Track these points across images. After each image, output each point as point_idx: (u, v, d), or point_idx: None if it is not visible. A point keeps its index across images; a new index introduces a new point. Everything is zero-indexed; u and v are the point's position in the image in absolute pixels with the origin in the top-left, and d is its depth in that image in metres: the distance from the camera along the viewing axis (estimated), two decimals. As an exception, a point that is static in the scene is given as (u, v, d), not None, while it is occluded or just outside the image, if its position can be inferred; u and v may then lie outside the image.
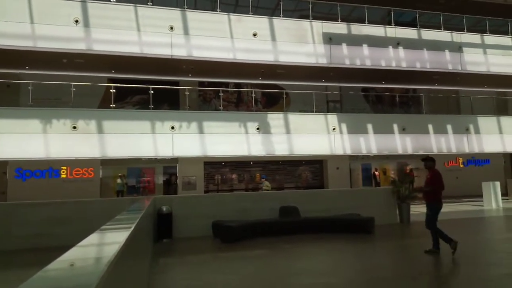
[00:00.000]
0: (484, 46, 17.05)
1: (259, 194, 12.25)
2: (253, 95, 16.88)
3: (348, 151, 15.53)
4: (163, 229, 8.82)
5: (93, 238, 2.31)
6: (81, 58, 13.36)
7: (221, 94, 15.71)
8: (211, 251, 7.86)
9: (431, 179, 6.78)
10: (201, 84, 17.28)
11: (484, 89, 19.24)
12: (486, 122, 17.05)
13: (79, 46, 12.71)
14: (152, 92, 13.94)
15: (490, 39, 17.21)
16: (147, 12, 13.42)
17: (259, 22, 14.54)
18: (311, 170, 20.81)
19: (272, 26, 14.61)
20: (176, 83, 16.47)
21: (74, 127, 12.40)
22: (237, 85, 18.20)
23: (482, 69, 16.83)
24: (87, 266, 1.68)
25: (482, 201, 15.71)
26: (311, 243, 8.29)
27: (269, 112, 15.26)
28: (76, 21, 12.60)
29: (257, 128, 14.34)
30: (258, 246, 7.95)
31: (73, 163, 15.93)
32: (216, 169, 19.31)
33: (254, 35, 14.32)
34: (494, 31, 17.56)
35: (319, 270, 6.07)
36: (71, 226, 7.96)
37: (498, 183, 15.76)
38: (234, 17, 14.31)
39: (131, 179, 17.91)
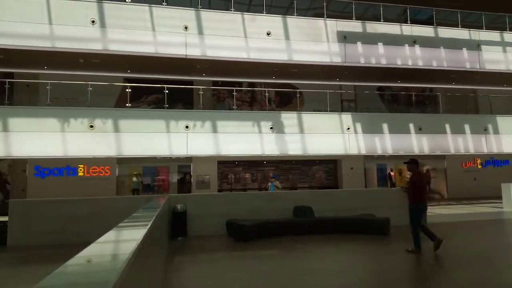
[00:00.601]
0: (503, 44, 16.62)
1: (273, 193, 12.23)
2: (267, 94, 16.88)
3: (363, 151, 15.37)
4: (178, 227, 8.90)
5: (110, 235, 2.35)
6: (97, 58, 13.59)
7: (234, 93, 15.77)
8: (225, 250, 7.89)
9: (415, 179, 7.05)
10: (215, 83, 17.36)
11: (503, 88, 18.74)
12: (505, 121, 16.61)
13: (96, 46, 12.93)
14: (166, 91, 14.08)
15: (510, 36, 16.75)
16: (161, 12, 13.55)
17: (273, 21, 14.51)
18: (325, 170, 20.67)
19: (285, 25, 14.56)
20: (190, 82, 16.60)
21: (91, 126, 12.63)
22: (251, 84, 18.22)
23: (501, 67, 16.40)
24: (106, 262, 1.70)
25: (502, 203, 15.31)
26: (325, 244, 8.24)
27: (283, 112, 15.22)
28: (93, 22, 12.82)
29: (271, 128, 14.32)
30: (271, 246, 7.94)
31: (90, 162, 16.23)
32: (230, 168, 19.37)
33: (268, 34, 14.30)
34: (514, 28, 17.11)
35: (332, 271, 6.03)
36: (88, 223, 8.11)
37: (518, 185, 15.32)
38: (247, 16, 14.32)
39: (147, 177, 18.14)
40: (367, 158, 20.02)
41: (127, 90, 14.34)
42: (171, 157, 16.27)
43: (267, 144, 14.29)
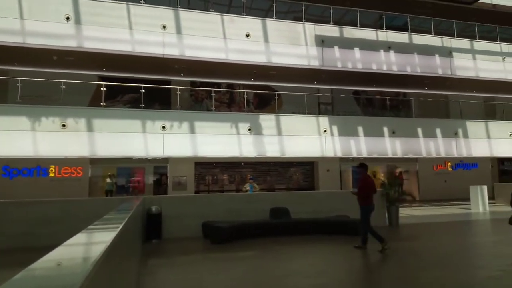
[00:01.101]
0: (473, 52, 17.33)
1: (250, 195, 12.24)
2: (245, 96, 16.87)
3: (339, 153, 15.63)
4: (153, 229, 8.76)
5: (79, 237, 2.28)
6: (71, 55, 13.20)
7: (213, 94, 15.67)
8: (200, 252, 7.83)
9: (361, 184, 7.60)
10: (193, 84, 17.21)
11: (473, 94, 19.53)
12: (474, 126, 17.31)
13: (70, 43, 12.57)
14: (143, 91, 13.84)
15: (479, 44, 17.49)
16: (139, 10, 13.33)
17: (252, 23, 14.56)
18: (302, 171, 20.86)
19: (265, 28, 14.63)
20: (168, 82, 16.38)
21: (63, 125, 12.25)
22: (230, 85, 18.17)
23: (471, 74, 17.09)
24: (72, 265, 1.65)
25: (470, 204, 15.93)
26: (301, 245, 8.31)
27: (261, 113, 15.27)
28: (67, 18, 12.45)
29: (249, 129, 14.34)
30: (248, 247, 7.94)
31: (62, 162, 15.71)
32: (207, 169, 19.23)
33: (247, 36, 14.32)
34: (483, 37, 17.85)
35: (308, 272, 6.09)
36: (58, 225, 7.84)
37: (485, 187, 16.00)
38: (227, 17, 14.30)
39: (121, 178, 17.73)
40: (343, 160, 20.35)
41: (102, 88, 13.99)
42: (147, 158, 15.99)
43: (245, 145, 14.29)
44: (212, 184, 19.27)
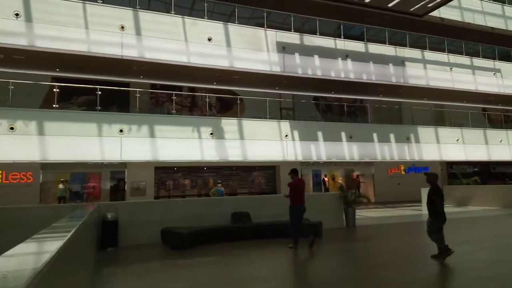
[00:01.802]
0: (424, 61, 18.42)
1: (211, 199, 12.14)
2: (207, 99, 16.76)
3: (300, 158, 15.92)
4: (108, 237, 8.42)
5: (22, 247, 2.14)
6: (21, 54, 12.43)
7: (174, 97, 15.40)
8: (159, 259, 7.62)
9: (291, 187, 8.28)
10: (153, 86, 16.82)
11: (424, 101, 20.73)
12: (425, 132, 18.36)
13: (20, 42, 11.83)
14: (99, 93, 13.33)
15: (429, 55, 18.63)
16: (96, 9, 12.85)
17: (214, 27, 14.52)
18: (264, 175, 21.03)
19: (227, 32, 14.65)
20: (127, 84, 15.88)
21: (12, 128, 11.48)
22: (191, 89, 17.96)
23: (422, 82, 18.14)
24: (10, 278, 1.55)
25: (421, 206, 16.82)
26: (262, 249, 8.35)
27: (223, 118, 15.22)
28: (17, 15, 11.73)
29: (211, 133, 14.24)
30: (208, 253, 7.86)
31: (10, 167, 14.69)
32: (168, 174, 18.83)
33: (209, 39, 14.27)
34: (433, 48, 19.04)
35: (267, 276, 6.13)
36: (4, 234, 7.30)
37: (434, 189, 16.96)
38: (188, 20, 14.16)
39: (75, 184, 16.88)
40: (304, 164, 20.75)
41: (55, 90, 13.30)
42: (103, 163, 15.37)
43: (207, 149, 14.17)
44: (173, 189, 18.88)
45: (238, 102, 16.91)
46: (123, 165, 16.82)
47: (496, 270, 5.82)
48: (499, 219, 12.99)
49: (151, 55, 13.40)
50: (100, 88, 13.46)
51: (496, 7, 20.49)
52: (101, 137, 12.51)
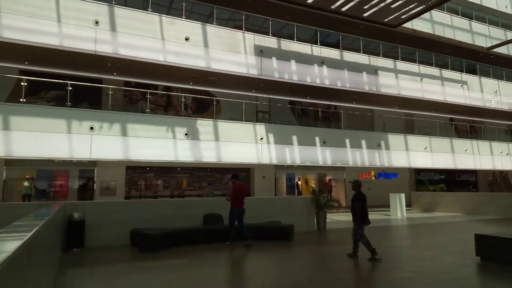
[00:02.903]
0: (396, 71, 19.03)
1: (183, 201, 12.00)
2: (183, 99, 16.56)
3: (274, 161, 16.02)
4: (74, 237, 8.14)
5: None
6: (-15, 44, 11.84)
7: (148, 96, 15.11)
8: (127, 261, 7.45)
9: (232, 191, 8.94)
10: (127, 84, 16.45)
11: (395, 110, 21.39)
12: (395, 139, 18.94)
13: (-16, 31, 11.27)
14: (70, 88, 12.89)
15: (401, 65, 19.26)
16: (70, 3, 12.44)
17: (192, 27, 14.41)
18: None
19: (205, 33, 14.57)
20: (99, 80, 15.46)
21: (-27, 122, 10.90)
22: (167, 88, 17.70)
23: (393, 91, 18.72)
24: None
25: (390, 210, 17.33)
26: (233, 251, 8.33)
27: (199, 118, 15.09)
28: (-18, 3, 11.17)
29: (186, 134, 14.08)
30: (178, 255, 7.75)
31: (-31, 162, 13.96)
32: (140, 174, 18.46)
33: (187, 39, 14.13)
34: (405, 58, 19.71)
35: (237, 278, 6.12)
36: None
37: (403, 195, 17.56)
38: (166, 19, 13.97)
39: (41, 182, 16.21)
40: (278, 167, 20.92)
41: (22, 83, 12.76)
42: (71, 161, 14.87)
43: (181, 150, 14.00)
44: (145, 190, 18.52)
45: (215, 103, 16.82)
46: (93, 163, 16.33)
47: (457, 274, 6.07)
48: (462, 225, 13.58)
49: (126, 52, 13.12)
50: (71, 84, 13.02)
51: (465, 22, 21.49)
52: (70, 134, 12.10)
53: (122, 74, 15.32)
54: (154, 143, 13.45)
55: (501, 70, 23.05)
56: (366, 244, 7.14)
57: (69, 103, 12.70)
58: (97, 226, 8.56)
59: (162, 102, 17.64)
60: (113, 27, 12.97)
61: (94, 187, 16.81)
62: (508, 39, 22.00)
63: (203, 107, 17.94)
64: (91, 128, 12.40)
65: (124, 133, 12.99)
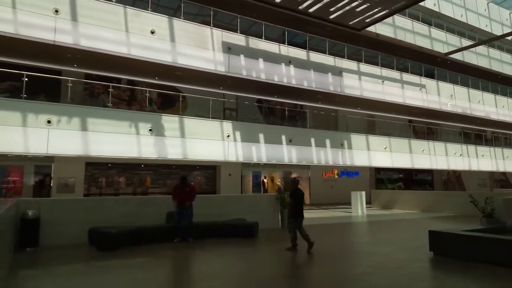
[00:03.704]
0: (359, 73, 19.64)
1: (145, 198, 11.74)
2: (148, 94, 16.15)
3: (241, 158, 16.02)
4: (27, 236, 7.73)
5: None
6: None
7: (111, 89, 14.57)
8: (84, 260, 7.17)
9: (174, 192, 9.26)
10: (89, 76, 15.78)
11: (357, 111, 22.09)
12: (357, 139, 19.56)
13: None
14: (26, 79, 12.18)
15: (364, 67, 19.90)
16: (26, -12, 11.73)
17: (158, 20, 14.07)
18: (204, 175, 20.85)
19: (172, 27, 14.28)
20: (58, 72, 14.71)
21: None
22: (131, 82, 17.17)
23: (357, 93, 19.31)
24: None
25: (351, 208, 17.91)
26: (197, 249, 8.26)
27: (164, 114, 14.77)
28: None
29: (150, 130, 13.74)
30: (139, 254, 7.57)
31: None
32: (101, 170, 17.81)
33: (152, 32, 13.78)
34: (368, 61, 20.38)
35: (201, 275, 6.08)
36: None
37: (363, 193, 18.20)
38: (131, 10, 13.54)
39: (-8, 178, 15.24)
40: (244, 165, 20.96)
41: (-29, 72, 11.89)
42: (26, 156, 14.07)
43: (145, 146, 13.65)
44: (105, 187, 17.89)
45: (181, 99, 16.54)
46: (50, 159, 15.55)
47: (412, 268, 6.38)
48: (418, 221, 14.29)
49: (87, 43, 12.58)
50: (27, 74, 12.30)
51: (425, 29, 22.56)
52: (26, 128, 11.43)
53: (83, 66, 14.68)
54: (116, 138, 13.03)
55: (456, 75, 24.44)
56: (305, 237, 7.83)
57: (24, 95, 11.99)
58: (53, 224, 8.19)
59: (125, 97, 17.10)
60: (74, 17, 12.40)
61: (51, 184, 16.01)
62: (463, 46, 23.37)
63: (169, 103, 17.58)
64: (48, 121, 11.80)
65: (84, 127, 12.48)
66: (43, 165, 16.12)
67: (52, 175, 16.13)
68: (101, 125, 12.81)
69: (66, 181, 16.19)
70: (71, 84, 13.62)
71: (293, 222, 7.92)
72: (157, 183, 19.33)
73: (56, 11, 12.06)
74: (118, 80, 16.48)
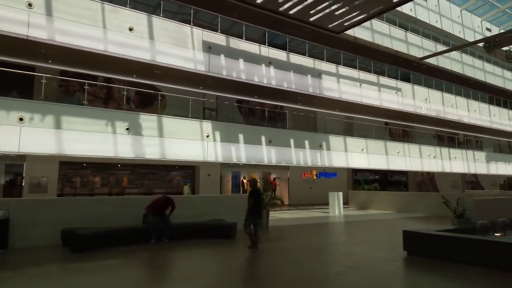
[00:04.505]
0: (338, 76, 19.94)
1: (121, 199, 11.51)
2: (125, 92, 15.83)
3: (220, 159, 15.95)
4: (-4, 238, 7.43)
5: None
6: None
7: (86, 87, 14.20)
8: (57, 262, 6.96)
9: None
10: (64, 73, 15.32)
11: (336, 112, 22.42)
12: (335, 141, 19.84)
13: None
14: (-4, 75, 11.71)
15: (343, 70, 20.22)
16: (-2, -20, 11.28)
17: (137, 17, 13.82)
18: (183, 175, 20.63)
19: (151, 24, 14.06)
20: (32, 68, 14.21)
21: None
22: (108, 80, 16.78)
23: (335, 95, 19.59)
24: None
25: (328, 208, 18.16)
26: (174, 250, 8.16)
27: (142, 113, 14.51)
28: None
29: (127, 129, 13.48)
30: (114, 256, 7.41)
31: None
32: (75, 170, 17.33)
33: (131, 29, 13.52)
34: (346, 64, 20.72)
35: (176, 277, 6.01)
36: None
37: (341, 193, 18.51)
38: (108, 6, 13.23)
39: (-42, 177, 14.57)
40: (224, 165, 20.91)
41: None
42: (-4, 154, 13.52)
43: (122, 145, 13.37)
44: (80, 187, 17.43)
45: (160, 98, 16.31)
46: (22, 157, 15.00)
47: (386, 267, 6.53)
48: (393, 222, 14.64)
49: (62, 39, 12.20)
50: (-3, 70, 11.82)
51: (401, 33, 23.14)
52: (-5, 125, 10.99)
53: (58, 63, 14.24)
54: (92, 137, 12.71)
55: (431, 80, 25.21)
56: (249, 234, 8.05)
57: (-6, 91, 11.52)
58: (24, 226, 7.91)
59: (101, 94, 16.69)
60: (49, 11, 12.01)
61: (23, 184, 15.45)
62: (438, 51, 24.12)
63: (147, 102, 17.30)
64: (20, 119, 11.38)
65: (58, 125, 12.11)
66: (14, 164, 15.54)
67: (24, 175, 15.57)
68: (76, 124, 12.47)
69: (39, 181, 15.66)
70: (45, 81, 13.17)
71: (252, 221, 8.06)
72: (135, 184, 19.00)
73: (30, 4, 11.65)
74: (95, 78, 16.08)
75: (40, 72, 13.81)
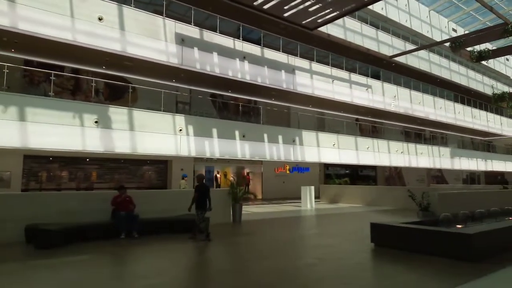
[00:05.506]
0: (311, 72, 20.18)
1: (89, 193, 11.17)
2: (94, 84, 15.31)
3: (193, 153, 15.79)
4: (-48, 235, 7.04)
5: None
6: None
7: (53, 78, 13.60)
8: (19, 260, 6.69)
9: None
10: (28, 63, 14.62)
11: (309, 108, 22.71)
12: (308, 136, 20.13)
13: None
14: (-48, 63, 11.02)
15: (316, 66, 20.48)
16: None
17: (107, 7, 13.36)
18: (155, 170, 20.30)
19: (121, 14, 13.64)
20: (-8, 57, 13.45)
21: None
22: (76, 71, 16.17)
23: (308, 91, 19.83)
24: None
25: (300, 202, 18.45)
26: (143, 245, 8.04)
27: (112, 106, 14.11)
28: None
29: (96, 122, 13.07)
30: (82, 252, 7.22)
31: None
32: (41, 164, 16.65)
33: (100, 19, 13.07)
34: (320, 61, 20.98)
35: (145, 272, 5.93)
36: None
37: (313, 187, 18.83)
38: (77, -5, 12.72)
39: None
40: (197, 160, 20.74)
41: None
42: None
43: (91, 139, 12.96)
44: (46, 182, 16.77)
45: (130, 90, 15.90)
46: (-18, 151, 14.23)
47: (355, 259, 6.74)
48: (362, 214, 15.07)
49: (26, 27, 11.62)
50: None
51: (372, 32, 23.67)
52: (-48, 116, 10.35)
53: (22, 52, 13.57)
54: (58, 130, 12.23)
55: (400, 77, 26.01)
56: (205, 228, 8.60)
57: (-50, 80, 10.84)
58: (-17, 222, 7.52)
59: (69, 86, 16.07)
60: (11, -3, 11.38)
61: (-17, 178, 14.70)
62: (407, 50, 24.88)
63: (117, 94, 16.82)
64: (-20, 110, 10.78)
65: (22, 117, 11.57)
66: (-27, 157, 14.72)
67: (-16, 169, 14.80)
68: (42, 116, 11.96)
69: (1, 175, 14.94)
70: (7, 71, 12.52)
71: (201, 214, 8.64)
72: (104, 178, 18.51)
73: (-10, -11, 11.01)
74: (62, 68, 15.46)
75: (2, 62, 13.11)
